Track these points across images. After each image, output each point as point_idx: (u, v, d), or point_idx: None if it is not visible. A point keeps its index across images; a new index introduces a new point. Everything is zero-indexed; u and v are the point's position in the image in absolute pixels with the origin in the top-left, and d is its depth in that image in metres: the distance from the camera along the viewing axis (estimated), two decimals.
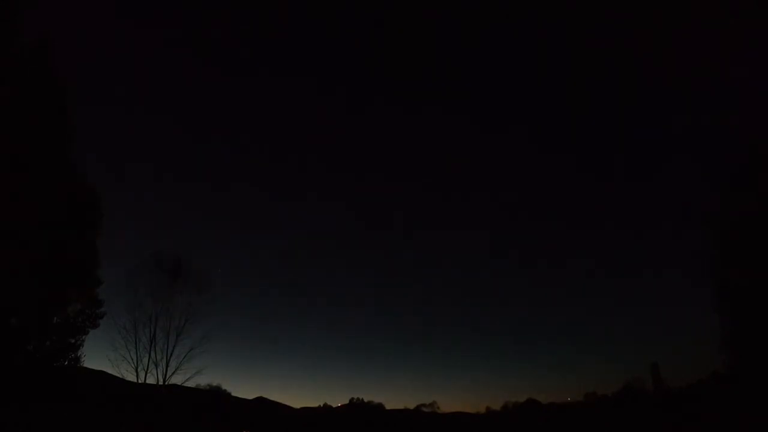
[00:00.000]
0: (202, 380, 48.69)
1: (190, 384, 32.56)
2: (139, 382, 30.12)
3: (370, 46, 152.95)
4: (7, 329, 18.47)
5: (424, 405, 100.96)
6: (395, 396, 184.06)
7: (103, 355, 29.37)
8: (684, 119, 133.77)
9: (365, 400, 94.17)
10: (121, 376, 30.54)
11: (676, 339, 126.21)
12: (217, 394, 60.26)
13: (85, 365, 22.11)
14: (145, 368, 30.09)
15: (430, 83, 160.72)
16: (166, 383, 30.95)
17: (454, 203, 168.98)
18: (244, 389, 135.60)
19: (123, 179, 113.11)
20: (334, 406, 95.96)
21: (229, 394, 65.84)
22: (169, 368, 30.74)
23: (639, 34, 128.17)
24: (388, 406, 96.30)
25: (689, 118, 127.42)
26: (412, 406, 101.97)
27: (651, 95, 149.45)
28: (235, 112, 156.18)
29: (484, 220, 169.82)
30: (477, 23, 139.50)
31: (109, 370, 30.46)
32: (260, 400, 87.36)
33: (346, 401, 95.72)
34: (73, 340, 21.03)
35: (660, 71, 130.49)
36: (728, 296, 25.18)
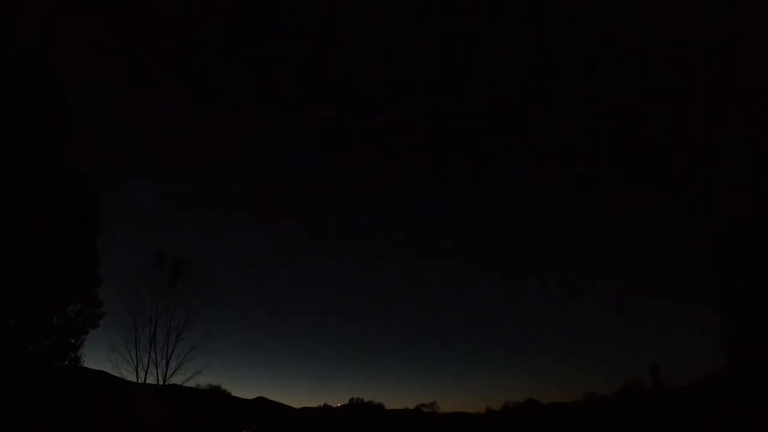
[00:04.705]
0: (202, 380, 48.73)
1: (190, 384, 32.68)
2: (139, 382, 30.19)
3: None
4: (7, 329, 18.47)
5: (424, 405, 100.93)
6: (395, 396, 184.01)
7: (103, 355, 29.49)
8: (683, 119, 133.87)
9: (365, 400, 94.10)
10: (121, 376, 30.63)
11: (676, 339, 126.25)
12: (217, 394, 60.20)
13: (85, 365, 22.10)
14: (145, 368, 30.22)
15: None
16: (166, 383, 31.01)
17: (455, 207, 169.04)
18: (244, 389, 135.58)
19: (123, 179, 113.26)
20: (334, 406, 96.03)
21: (229, 394, 65.75)
22: (169, 368, 30.89)
23: (639, 33, 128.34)
24: (388, 406, 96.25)
25: (689, 118, 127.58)
26: (412, 406, 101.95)
27: (650, 95, 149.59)
28: (234, 112, 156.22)
29: (485, 221, 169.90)
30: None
31: (109, 370, 30.58)
32: (260, 400, 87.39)
33: (346, 401, 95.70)
34: (73, 340, 21.00)
35: (660, 71, 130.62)
36: (728, 296, 25.17)
